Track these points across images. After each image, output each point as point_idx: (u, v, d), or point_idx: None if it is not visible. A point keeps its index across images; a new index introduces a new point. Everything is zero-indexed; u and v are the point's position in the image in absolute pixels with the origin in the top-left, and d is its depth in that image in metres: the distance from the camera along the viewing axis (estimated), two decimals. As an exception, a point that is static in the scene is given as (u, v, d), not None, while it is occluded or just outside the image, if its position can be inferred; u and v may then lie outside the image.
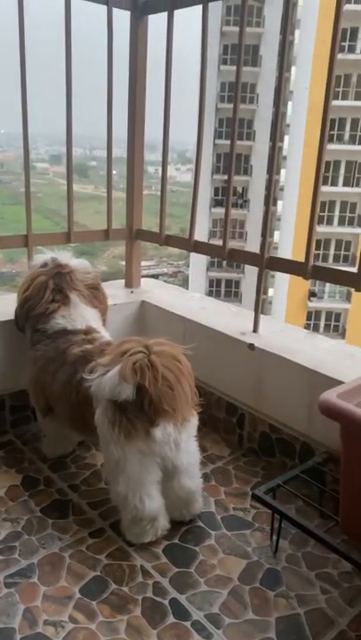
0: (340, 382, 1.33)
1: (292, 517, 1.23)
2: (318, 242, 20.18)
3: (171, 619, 1.12)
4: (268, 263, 1.63)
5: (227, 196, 1.76)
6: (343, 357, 1.55)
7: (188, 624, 1.11)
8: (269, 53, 20.11)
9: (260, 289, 1.68)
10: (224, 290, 22.85)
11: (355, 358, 1.55)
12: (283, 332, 1.75)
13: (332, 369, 1.46)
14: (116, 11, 1.81)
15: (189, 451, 1.32)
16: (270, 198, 1.60)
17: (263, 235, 1.64)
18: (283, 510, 1.25)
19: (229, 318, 1.86)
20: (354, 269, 1.42)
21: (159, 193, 1.97)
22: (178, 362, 1.25)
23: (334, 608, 1.15)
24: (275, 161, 1.63)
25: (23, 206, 1.78)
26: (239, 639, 1.08)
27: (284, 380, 1.56)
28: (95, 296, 1.63)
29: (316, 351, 1.58)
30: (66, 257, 1.62)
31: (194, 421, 1.31)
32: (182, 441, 1.26)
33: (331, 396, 1.08)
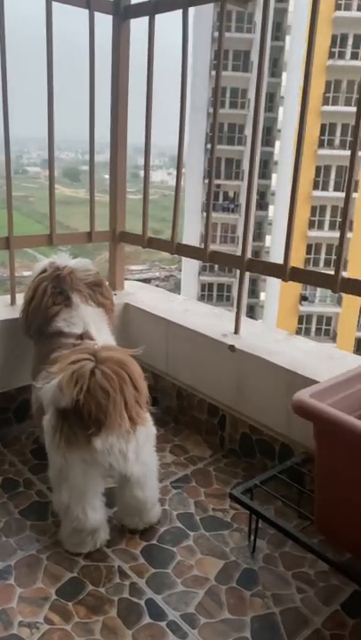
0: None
1: (268, 518, 1.24)
2: (310, 246, 20.29)
3: (146, 619, 1.12)
4: (248, 265, 1.64)
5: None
6: (322, 359, 1.57)
7: (163, 624, 1.11)
8: (260, 59, 20.24)
9: (241, 291, 1.69)
10: (216, 294, 22.88)
11: (334, 359, 1.56)
12: (263, 333, 1.76)
13: (311, 370, 1.47)
14: (99, 15, 1.82)
15: (141, 461, 1.26)
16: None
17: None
18: (259, 510, 1.26)
19: (212, 320, 1.87)
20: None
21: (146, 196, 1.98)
22: (123, 368, 1.20)
23: (310, 607, 1.16)
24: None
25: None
26: (214, 639, 1.08)
27: (264, 381, 1.57)
28: (100, 292, 1.62)
29: (295, 352, 1.59)
30: (64, 259, 1.61)
31: (145, 430, 1.26)
32: (130, 451, 1.21)
33: (304, 395, 1.09)
